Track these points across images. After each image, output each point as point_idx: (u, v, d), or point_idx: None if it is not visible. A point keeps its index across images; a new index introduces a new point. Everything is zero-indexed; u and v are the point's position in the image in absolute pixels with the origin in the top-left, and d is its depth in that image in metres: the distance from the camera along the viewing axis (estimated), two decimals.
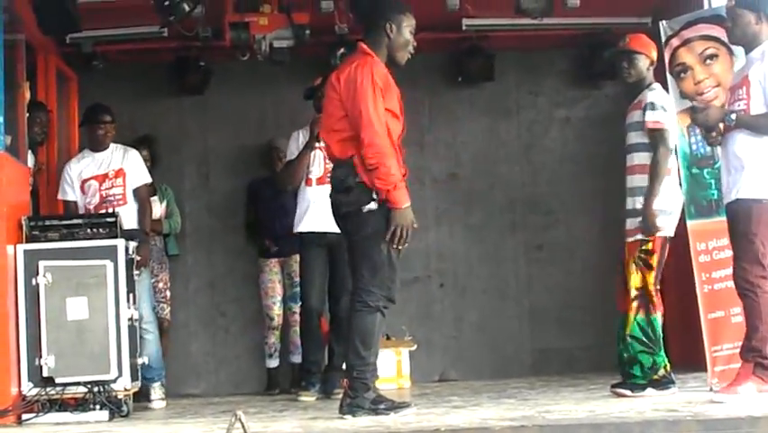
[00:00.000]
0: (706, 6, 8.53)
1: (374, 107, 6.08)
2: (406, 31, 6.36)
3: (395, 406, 6.15)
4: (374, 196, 6.11)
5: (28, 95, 8.14)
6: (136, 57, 9.56)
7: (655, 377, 6.97)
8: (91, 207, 8.09)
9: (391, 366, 9.24)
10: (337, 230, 7.94)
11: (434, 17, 9.21)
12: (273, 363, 9.67)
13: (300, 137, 8.48)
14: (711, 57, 7.48)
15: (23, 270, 6.99)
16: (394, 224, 6.07)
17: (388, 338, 9.36)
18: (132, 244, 7.38)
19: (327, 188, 7.93)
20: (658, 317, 7.02)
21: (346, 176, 6.16)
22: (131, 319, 7.20)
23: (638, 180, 7.06)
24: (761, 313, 6.29)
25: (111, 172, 8.15)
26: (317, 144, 8.22)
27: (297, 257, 8.90)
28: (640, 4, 9.48)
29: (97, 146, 8.24)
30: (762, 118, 6.32)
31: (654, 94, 7.14)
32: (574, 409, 6.35)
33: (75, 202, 8.18)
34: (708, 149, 7.27)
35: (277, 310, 9.50)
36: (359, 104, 6.09)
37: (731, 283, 6.68)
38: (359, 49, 6.38)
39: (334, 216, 6.40)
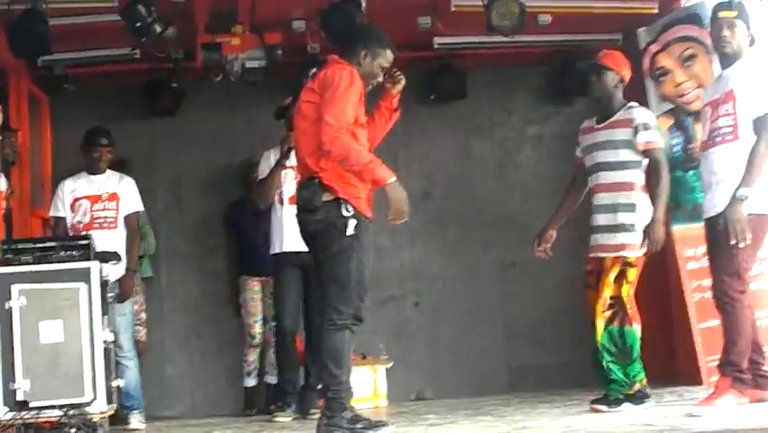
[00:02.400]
0: (683, 4, 8.52)
1: (346, 101, 6.03)
2: (376, 64, 6.38)
3: (372, 425, 6.14)
4: (344, 212, 6.06)
5: (0, 117, 8.13)
6: (108, 79, 9.53)
7: (631, 392, 6.94)
8: (80, 226, 8.13)
9: (368, 385, 9.20)
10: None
11: (406, 36, 9.18)
12: (251, 381, 9.62)
13: (272, 156, 8.48)
14: (690, 57, 7.54)
15: None
16: (390, 201, 6.01)
17: (363, 357, 9.37)
18: (107, 266, 7.31)
19: None
20: (634, 328, 6.98)
21: (313, 194, 6.12)
22: (105, 342, 7.06)
23: (623, 197, 7.01)
24: (738, 327, 6.32)
25: (105, 195, 8.21)
26: (288, 163, 8.24)
27: None
28: (610, 21, 9.45)
29: (93, 168, 8.32)
30: (755, 168, 6.31)
31: (642, 113, 7.14)
32: (551, 425, 6.38)
33: (64, 219, 8.24)
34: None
35: (258, 329, 9.45)
36: (333, 95, 6.03)
37: None
38: (331, 60, 6.36)
39: (302, 234, 6.37)
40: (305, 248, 7.80)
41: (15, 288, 6.95)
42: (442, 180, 10.33)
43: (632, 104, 7.21)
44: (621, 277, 6.97)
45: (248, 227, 9.51)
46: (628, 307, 6.97)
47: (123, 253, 8.01)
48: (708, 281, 7.06)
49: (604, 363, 6.96)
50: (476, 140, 10.42)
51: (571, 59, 9.91)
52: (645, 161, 7.05)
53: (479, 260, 10.26)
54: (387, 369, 9.34)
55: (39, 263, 7.15)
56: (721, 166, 6.40)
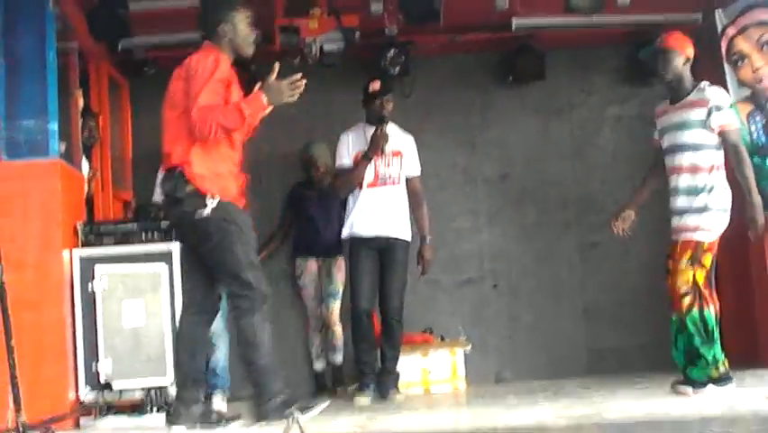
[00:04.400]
0: None
1: (211, 91, 5.98)
2: (242, 25, 6.35)
3: (305, 406, 6.05)
4: (207, 201, 5.99)
5: (81, 102, 8.24)
6: None
7: (715, 374, 6.89)
8: None
9: (446, 367, 9.17)
10: (388, 233, 8.14)
11: (484, 17, 9.21)
12: (320, 365, 9.67)
13: (350, 141, 8.41)
14: None
15: (79, 275, 7.08)
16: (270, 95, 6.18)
17: (442, 339, 9.42)
18: None
19: (377, 191, 8.25)
20: (711, 312, 6.92)
21: (175, 186, 6.04)
22: None
23: (699, 179, 6.96)
24: None
25: None
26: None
27: (339, 260, 9.08)
28: (689, 0, 9.41)
29: None
30: None
31: (716, 93, 7.04)
32: (632, 407, 6.35)
33: None
34: None
35: (317, 310, 9.52)
36: (196, 86, 5.98)
37: None
38: (203, 45, 6.30)
39: (172, 227, 6.33)
40: (380, 232, 8.06)
41: (98, 270, 7.07)
42: (520, 162, 10.25)
43: (703, 83, 7.14)
44: (694, 262, 6.91)
45: (313, 209, 9.52)
46: (705, 291, 6.90)
47: None
48: None
49: (692, 347, 6.91)
50: (554, 121, 10.32)
51: (650, 39, 9.78)
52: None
53: (557, 241, 10.18)
54: (465, 351, 9.30)
55: (121, 245, 7.27)
56: None
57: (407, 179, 8.43)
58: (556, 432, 5.39)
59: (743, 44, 7.53)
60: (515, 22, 9.40)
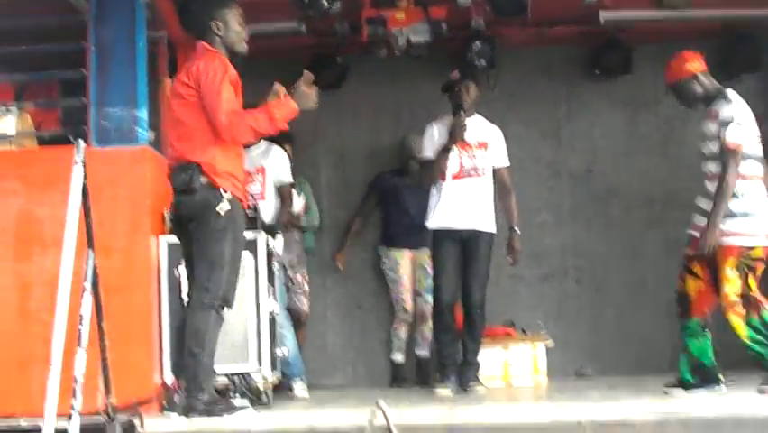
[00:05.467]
0: None
1: (228, 92, 6.11)
2: (233, 23, 6.39)
3: (230, 407, 6.15)
4: (222, 194, 6.14)
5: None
6: (274, 53, 9.58)
7: None
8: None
9: (527, 361, 9.14)
10: (472, 226, 8.13)
11: (572, 11, 9.19)
12: (400, 357, 9.72)
13: (435, 132, 8.35)
14: None
15: (166, 261, 7.12)
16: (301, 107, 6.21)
17: (523, 333, 9.38)
18: (272, 239, 7.42)
19: (462, 182, 8.23)
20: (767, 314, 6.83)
21: (191, 178, 6.15)
22: (270, 312, 7.26)
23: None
24: None
25: (253, 169, 8.19)
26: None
27: (428, 250, 8.96)
28: None
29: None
30: None
31: (731, 108, 6.96)
32: (717, 404, 6.30)
33: None
34: None
35: (409, 302, 9.55)
36: (212, 89, 6.09)
37: None
38: (199, 48, 6.35)
39: (178, 215, 6.36)
40: (464, 224, 8.07)
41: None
42: (605, 157, 10.21)
43: (723, 93, 7.07)
44: (749, 270, 6.80)
45: (400, 200, 9.57)
46: (759, 298, 6.81)
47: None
48: None
49: (761, 353, 6.79)
50: (641, 115, 10.25)
51: (739, 34, 9.75)
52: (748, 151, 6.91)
53: (642, 237, 10.10)
54: (546, 345, 9.24)
55: None
56: None
57: (495, 171, 8.38)
58: (641, 427, 5.36)
59: None
60: (602, 15, 9.32)
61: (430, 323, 9.20)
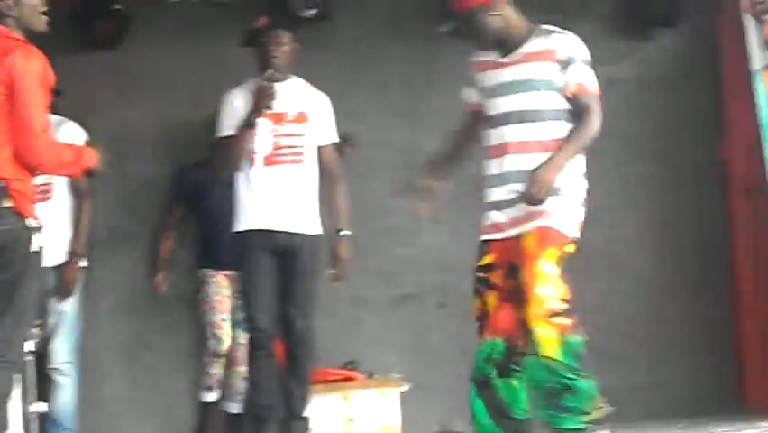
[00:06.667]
0: None
1: (43, 99, 6.30)
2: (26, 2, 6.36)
3: None
4: (30, 224, 6.20)
5: None
6: None
7: (596, 415, 6.37)
8: None
9: (374, 415, 8.97)
10: (289, 227, 8.03)
11: None
12: (210, 396, 9.31)
13: (236, 102, 8.02)
14: None
15: None
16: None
17: (370, 376, 9.04)
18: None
19: (277, 170, 8.05)
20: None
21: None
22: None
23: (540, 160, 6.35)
24: None
25: None
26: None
27: None
28: None
29: None
30: None
31: (567, 41, 6.55)
32: None
33: None
34: None
35: (226, 331, 9.12)
36: (30, 107, 6.24)
37: None
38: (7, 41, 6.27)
39: None
40: (281, 225, 7.95)
41: None
42: None
43: (545, 27, 6.56)
44: (566, 269, 6.43)
45: (211, 203, 9.05)
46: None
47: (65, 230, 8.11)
48: None
49: (566, 383, 6.41)
50: None
51: None
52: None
53: None
54: (401, 392, 9.01)
55: None
56: None
57: (320, 150, 8.08)
58: None
59: None
60: None
61: (242, 369, 8.85)
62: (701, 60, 10.09)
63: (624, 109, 9.56)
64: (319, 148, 8.08)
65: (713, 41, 10.00)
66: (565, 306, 6.28)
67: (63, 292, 8.04)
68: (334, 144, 8.21)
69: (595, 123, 6.41)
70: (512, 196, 6.48)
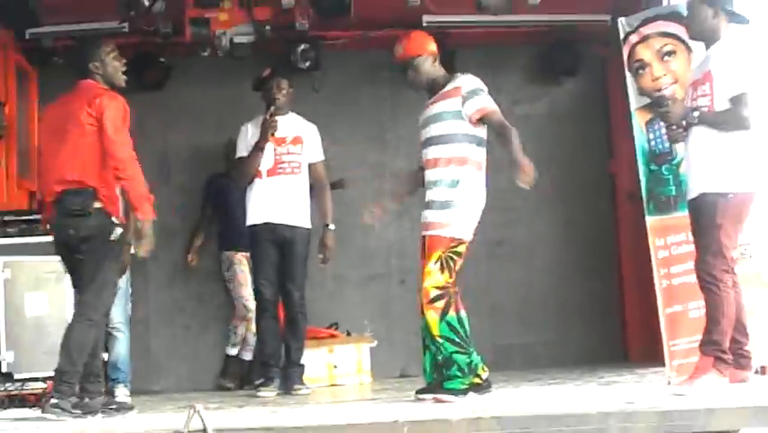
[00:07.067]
0: (665, 3, 8.54)
1: (126, 133, 6.46)
2: (109, 59, 6.65)
3: (91, 411, 6.28)
4: (114, 221, 6.41)
5: None
6: None
7: (477, 381, 6.71)
8: None
9: (352, 362, 9.26)
10: (287, 221, 8.17)
11: (395, 14, 9.26)
12: (233, 351, 9.70)
13: (249, 131, 8.40)
14: (669, 53, 7.51)
15: None
16: (141, 234, 6.37)
17: (348, 334, 9.49)
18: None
19: (278, 179, 8.25)
20: (463, 314, 6.66)
21: (85, 201, 6.34)
22: None
23: (446, 173, 6.63)
24: (722, 307, 6.32)
25: None
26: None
27: None
28: (600, 1, 9.55)
29: None
30: (723, 115, 6.37)
31: (468, 80, 6.75)
32: (533, 401, 6.49)
33: None
34: (667, 145, 7.31)
35: (252, 301, 9.20)
36: (116, 129, 6.37)
37: (689, 278, 6.77)
38: (88, 86, 6.55)
39: (68, 238, 6.45)
40: (281, 220, 8.12)
41: (0, 260, 7.01)
42: None
43: (457, 74, 6.88)
44: (451, 265, 6.62)
45: (231, 203, 9.43)
46: (457, 294, 6.69)
47: None
48: (675, 269, 7.30)
49: (446, 355, 6.58)
50: None
51: (560, 39, 10.02)
52: (481, 134, 6.72)
53: None
54: (371, 346, 9.39)
55: (24, 236, 7.24)
56: (705, 144, 6.41)
57: (311, 166, 8.41)
58: (456, 424, 5.46)
59: (644, 52, 7.57)
60: (425, 18, 9.43)
61: (252, 326, 9.21)
62: (596, 101, 10.52)
63: (538, 137, 9.86)
64: (310, 165, 8.48)
65: (605, 87, 10.44)
66: (440, 292, 6.58)
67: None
68: (323, 163, 8.54)
69: (509, 125, 6.59)
70: (427, 201, 6.78)
